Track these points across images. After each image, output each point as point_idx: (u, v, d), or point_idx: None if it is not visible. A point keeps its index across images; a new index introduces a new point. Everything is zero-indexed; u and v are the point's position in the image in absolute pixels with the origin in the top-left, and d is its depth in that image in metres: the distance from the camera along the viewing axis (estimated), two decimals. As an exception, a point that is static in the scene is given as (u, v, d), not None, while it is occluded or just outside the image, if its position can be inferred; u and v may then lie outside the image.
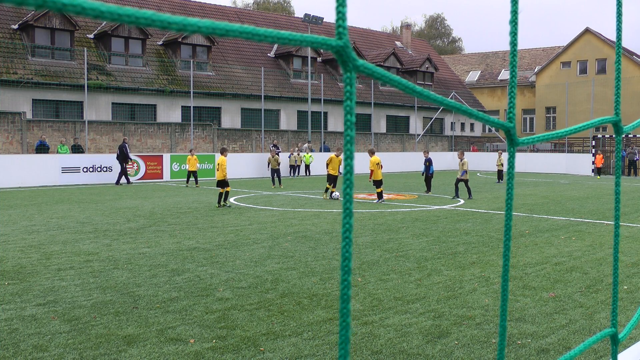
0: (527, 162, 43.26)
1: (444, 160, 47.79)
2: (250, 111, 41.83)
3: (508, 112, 1.67)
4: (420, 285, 8.30)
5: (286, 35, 1.04)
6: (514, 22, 1.68)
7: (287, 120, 44.22)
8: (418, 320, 6.69)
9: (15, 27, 34.86)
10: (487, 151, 50.34)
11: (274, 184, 27.37)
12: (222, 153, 18.11)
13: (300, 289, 8.08)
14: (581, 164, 41.24)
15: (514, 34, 1.67)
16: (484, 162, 45.73)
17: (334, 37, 1.08)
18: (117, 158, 28.93)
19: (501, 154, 31.80)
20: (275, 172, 27.70)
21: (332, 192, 20.90)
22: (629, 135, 41.26)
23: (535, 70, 61.88)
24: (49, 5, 0.86)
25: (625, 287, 8.35)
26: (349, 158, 1.06)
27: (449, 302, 7.45)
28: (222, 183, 18.05)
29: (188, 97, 37.28)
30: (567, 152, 44.99)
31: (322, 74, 45.12)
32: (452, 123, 55.80)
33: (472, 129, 59.31)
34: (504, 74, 66.59)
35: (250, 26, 0.98)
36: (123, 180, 29.08)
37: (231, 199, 20.41)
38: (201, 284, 8.31)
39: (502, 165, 31.23)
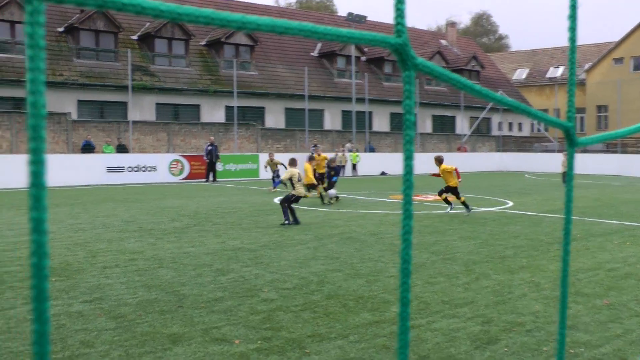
0: (576, 163, 42.41)
1: (492, 161, 47.20)
2: (294, 111, 41.99)
3: (567, 110, 1.62)
4: (468, 289, 8.20)
5: (345, 33, 1.03)
6: (572, 16, 1.63)
7: (331, 120, 44.25)
8: (466, 325, 6.60)
9: (61, 29, 35.76)
10: (536, 152, 49.49)
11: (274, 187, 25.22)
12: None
13: (346, 290, 8.06)
14: (635, 165, 40.14)
15: (572, 29, 1.63)
16: (533, 163, 44.99)
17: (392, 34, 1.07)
18: (206, 157, 30.79)
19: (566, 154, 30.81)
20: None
21: (327, 194, 19.91)
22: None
23: (586, 67, 60.39)
24: (108, 6, 0.87)
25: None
26: (409, 158, 1.04)
27: (498, 307, 7.33)
28: (312, 186, 18.50)
29: (231, 97, 37.63)
30: (620, 153, 43.91)
31: (366, 73, 45.02)
32: (499, 123, 55.06)
33: (520, 129, 58.45)
34: (553, 72, 65.35)
35: (310, 23, 0.97)
36: (211, 177, 30.98)
37: (275, 199, 20.52)
38: (246, 284, 8.36)
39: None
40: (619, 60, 57.39)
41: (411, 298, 7.60)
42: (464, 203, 16.42)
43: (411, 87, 1.09)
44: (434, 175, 17.46)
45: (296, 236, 12.67)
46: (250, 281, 8.54)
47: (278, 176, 24.50)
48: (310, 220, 15.04)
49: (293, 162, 15.07)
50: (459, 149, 47.46)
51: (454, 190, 16.41)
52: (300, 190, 14.32)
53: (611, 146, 47.60)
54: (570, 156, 1.55)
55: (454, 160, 44.30)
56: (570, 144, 1.52)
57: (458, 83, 1.17)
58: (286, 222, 14.03)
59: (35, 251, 0.75)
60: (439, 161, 16.67)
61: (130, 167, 29.79)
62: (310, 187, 18.20)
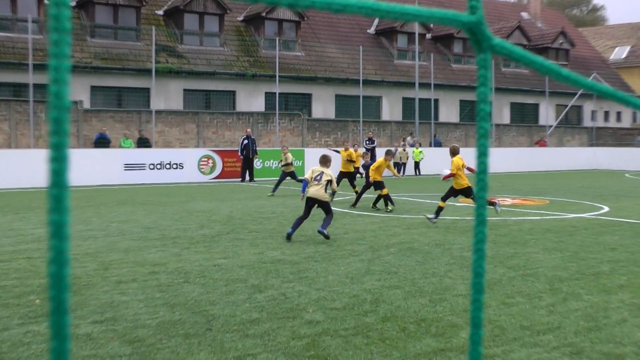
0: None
1: (583, 157, 46.33)
2: (346, 98, 42.02)
3: None
4: (553, 312, 8.02)
5: (411, 10, 0.96)
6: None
7: (390, 108, 44.13)
8: (551, 357, 6.45)
9: (74, 4, 36.35)
10: (638, 147, 48.46)
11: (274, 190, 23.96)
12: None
13: (405, 312, 7.97)
14: None
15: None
16: (635, 160, 44.04)
17: (465, 11, 1.00)
18: (242, 153, 31.03)
19: None
20: (289, 174, 24.16)
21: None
22: None
23: None
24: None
25: None
26: (483, 155, 0.97)
27: (591, 335, 7.14)
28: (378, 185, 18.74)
29: (273, 82, 37.85)
30: None
31: (432, 54, 44.74)
32: (592, 112, 54.05)
33: (618, 119, 57.31)
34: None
35: (370, 0, 0.90)
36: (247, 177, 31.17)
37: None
38: (287, 303, 8.34)
39: None
40: None
41: (485, 322, 7.47)
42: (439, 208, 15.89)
43: (487, 72, 1.02)
44: (447, 177, 16.52)
45: (347, 246, 12.62)
46: (292, 299, 8.52)
47: (294, 176, 23.96)
48: (364, 227, 14.98)
49: (324, 160, 14.00)
50: (538, 144, 46.77)
51: (467, 192, 15.85)
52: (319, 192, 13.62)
53: None
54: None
55: (533, 158, 43.65)
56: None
57: (542, 67, 1.09)
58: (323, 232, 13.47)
59: (55, 258, 0.73)
60: (453, 153, 16.21)
61: (152, 164, 30.23)
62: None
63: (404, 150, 36.51)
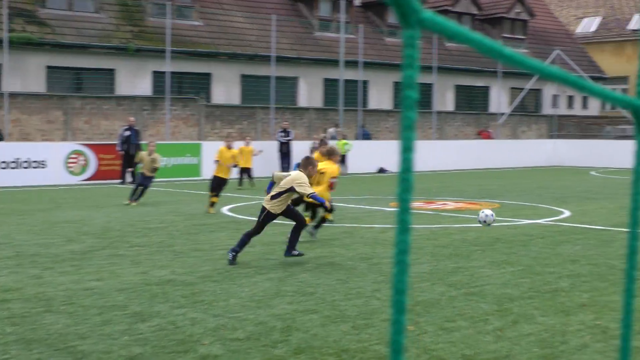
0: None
1: (541, 152, 47.41)
2: (255, 79, 41.96)
3: (638, 83, 1.62)
4: (501, 338, 8.23)
5: None
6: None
7: (309, 92, 44.24)
8: (498, 391, 6.62)
9: None
10: (607, 139, 49.79)
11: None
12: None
13: (323, 341, 8.05)
14: None
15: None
16: (603, 155, 45.27)
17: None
18: (121, 147, 30.81)
19: None
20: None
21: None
22: None
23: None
24: None
25: None
26: (408, 150, 1.02)
27: (546, 364, 7.37)
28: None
29: (163, 59, 37.41)
30: None
31: (360, 25, 44.94)
32: (554, 97, 55.30)
33: (584, 106, 58.74)
34: (638, 21, 65.51)
35: None
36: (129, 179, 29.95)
37: (224, 208, 20.46)
38: (177, 334, 8.32)
39: None
40: None
41: (418, 351, 7.62)
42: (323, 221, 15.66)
43: (414, 51, 1.07)
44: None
45: (253, 262, 12.63)
46: (183, 329, 8.50)
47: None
48: (274, 239, 14.98)
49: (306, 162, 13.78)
50: (481, 134, 47.59)
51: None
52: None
53: None
54: (641, 146, 1.55)
55: (481, 152, 44.46)
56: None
57: (481, 46, 1.16)
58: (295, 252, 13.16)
59: None
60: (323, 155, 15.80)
61: (4, 162, 29.53)
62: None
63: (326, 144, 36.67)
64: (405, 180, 0.95)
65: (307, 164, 13.28)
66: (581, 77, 1.21)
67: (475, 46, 1.05)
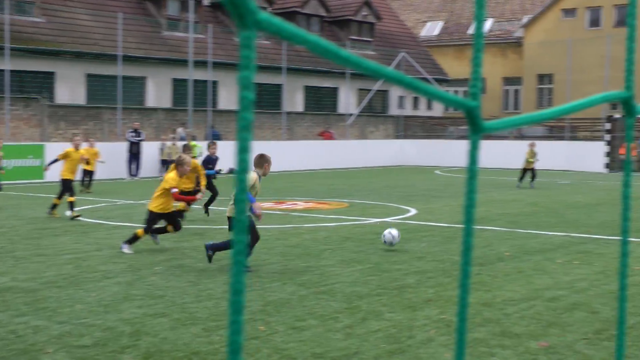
0: (506, 153, 43.54)
1: (388, 152, 48.30)
2: (101, 79, 41.21)
3: (471, 85, 1.66)
4: (351, 335, 8.34)
5: None
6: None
7: (157, 92, 43.77)
8: (347, 387, 6.71)
9: None
10: (451, 138, 51.08)
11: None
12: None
13: (173, 344, 7.99)
14: (590, 156, 42.39)
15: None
16: (447, 154, 46.44)
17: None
18: None
19: (534, 145, 31.05)
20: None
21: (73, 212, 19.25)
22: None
23: (524, 21, 62.75)
24: None
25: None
26: (243, 151, 1.02)
27: (393, 359, 7.50)
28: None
29: (2, 56, 36.28)
30: (569, 140, 46.11)
31: (210, 25, 44.80)
32: (400, 98, 56.49)
33: (429, 107, 60.17)
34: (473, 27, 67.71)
35: None
36: None
37: (67, 212, 19.99)
38: (19, 343, 8.10)
39: (532, 161, 30.34)
40: (570, 12, 59.34)
41: (269, 351, 7.65)
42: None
43: (250, 52, 1.06)
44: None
45: (100, 266, 12.43)
46: (25, 338, 8.28)
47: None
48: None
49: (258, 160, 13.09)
50: (322, 135, 48.01)
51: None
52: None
53: (557, 130, 49.39)
54: (474, 145, 1.61)
55: (330, 153, 44.98)
56: (475, 129, 1.57)
57: (317, 48, 1.16)
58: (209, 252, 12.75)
59: None
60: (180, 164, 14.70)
61: None
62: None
63: (174, 144, 36.31)
64: (241, 181, 0.94)
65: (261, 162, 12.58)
66: (418, 78, 1.24)
67: (312, 48, 1.05)
